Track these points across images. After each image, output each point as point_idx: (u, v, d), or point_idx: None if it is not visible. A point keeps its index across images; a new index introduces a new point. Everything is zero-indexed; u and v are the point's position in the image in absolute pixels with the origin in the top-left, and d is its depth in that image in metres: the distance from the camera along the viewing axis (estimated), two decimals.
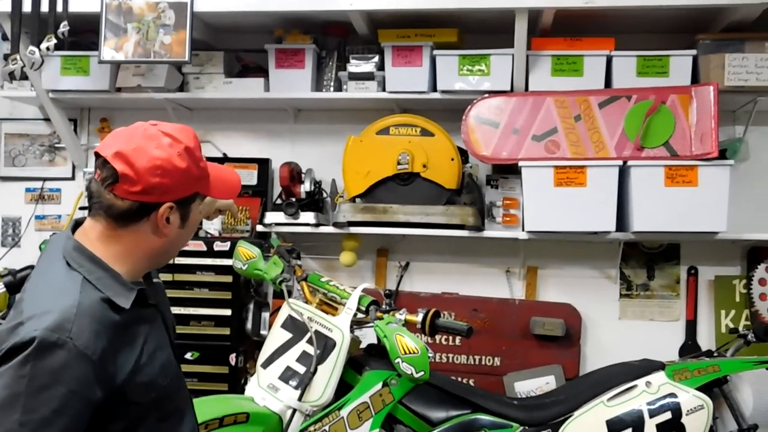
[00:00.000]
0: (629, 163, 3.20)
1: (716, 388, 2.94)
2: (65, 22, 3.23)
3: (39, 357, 1.44)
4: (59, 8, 3.25)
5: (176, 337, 1.94)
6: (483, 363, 3.55)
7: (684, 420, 2.70)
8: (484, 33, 3.46)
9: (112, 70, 3.59)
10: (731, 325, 3.50)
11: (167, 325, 1.82)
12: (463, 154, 3.41)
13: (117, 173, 1.58)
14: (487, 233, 3.43)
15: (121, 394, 1.56)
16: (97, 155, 1.63)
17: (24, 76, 3.37)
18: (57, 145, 3.95)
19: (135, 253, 1.66)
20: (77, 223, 1.70)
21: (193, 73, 3.62)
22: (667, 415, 2.70)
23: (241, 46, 3.75)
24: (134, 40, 3.30)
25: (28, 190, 3.99)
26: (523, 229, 3.38)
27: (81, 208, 3.71)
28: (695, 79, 3.29)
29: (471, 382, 3.48)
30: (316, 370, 2.59)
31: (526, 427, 2.72)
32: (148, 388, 1.62)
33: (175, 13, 3.27)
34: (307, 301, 2.80)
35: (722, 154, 3.23)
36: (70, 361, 1.46)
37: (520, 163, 3.26)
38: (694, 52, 3.28)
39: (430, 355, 2.55)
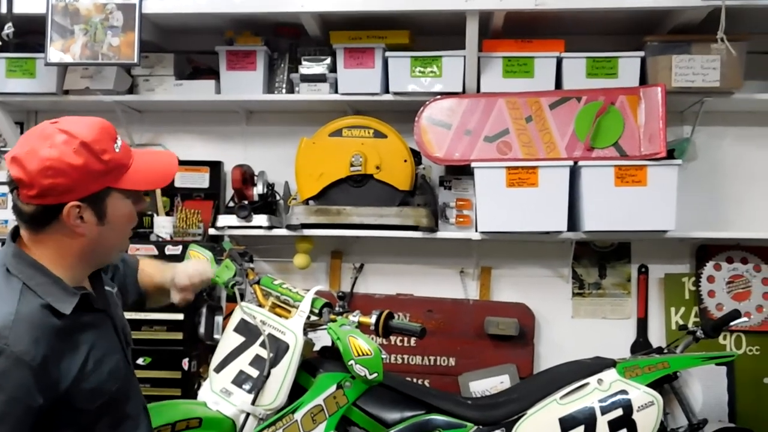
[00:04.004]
0: (580, 163, 3.23)
1: (667, 385, 2.98)
2: (10, 24, 3.18)
3: None
4: (3, 9, 3.20)
5: (132, 342, 1.91)
6: (438, 363, 3.56)
7: (635, 416, 2.73)
8: (436, 35, 3.48)
9: (59, 73, 3.52)
10: (681, 322, 3.56)
11: (118, 331, 1.78)
12: (416, 156, 3.41)
13: (13, 179, 1.57)
14: (441, 234, 3.44)
15: (67, 400, 1.54)
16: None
17: None
18: (3, 149, 3.87)
19: (63, 256, 1.63)
20: (17, 230, 1.67)
21: (143, 75, 3.57)
22: (619, 412, 2.73)
23: (191, 48, 3.71)
24: (81, 42, 3.25)
25: None
26: (476, 230, 3.39)
27: None
28: (643, 81, 3.34)
29: (426, 383, 3.49)
30: (269, 373, 2.56)
31: (481, 427, 2.73)
32: (95, 395, 1.60)
33: (124, 14, 3.22)
34: (260, 305, 2.76)
35: (670, 154, 3.28)
36: (8, 368, 1.45)
37: (473, 164, 3.27)
38: (642, 53, 3.33)
39: (384, 356, 2.54)
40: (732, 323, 3.13)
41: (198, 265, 2.39)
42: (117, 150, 1.65)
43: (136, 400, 1.80)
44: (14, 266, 1.59)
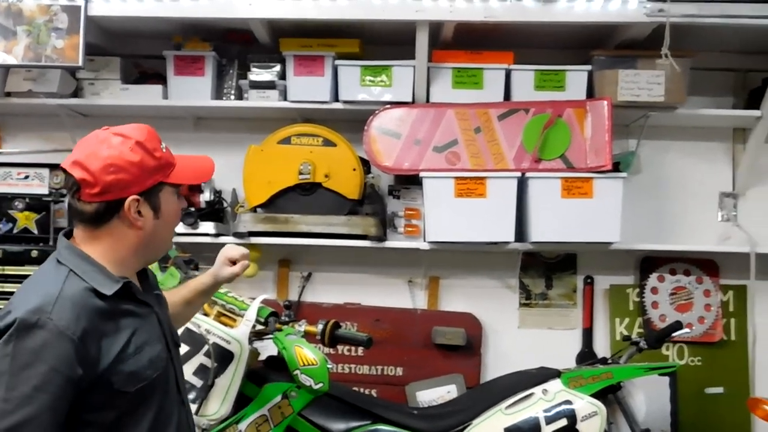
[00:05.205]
0: (527, 174, 3.26)
1: (611, 395, 3.03)
2: None
3: (20, 337, 1.55)
4: None
5: (180, 343, 2.05)
6: (386, 373, 3.55)
7: (579, 426, 2.76)
8: (386, 44, 3.48)
9: (1, 74, 3.44)
10: (625, 333, 3.60)
11: (163, 326, 1.87)
12: (366, 165, 3.41)
13: (77, 180, 1.71)
14: (390, 244, 3.44)
15: (107, 380, 1.64)
16: (62, 170, 1.75)
17: None
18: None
19: (118, 250, 1.77)
20: (69, 231, 1.81)
21: (88, 78, 3.50)
22: (563, 422, 2.76)
23: (138, 52, 3.66)
24: (25, 44, 3.18)
25: None
26: (425, 240, 3.40)
27: None
28: (590, 94, 3.38)
29: (374, 393, 3.48)
30: (213, 383, 2.54)
31: None
32: (133, 378, 1.69)
33: (69, 16, 3.16)
34: (205, 313, 2.73)
35: (616, 167, 3.33)
36: (50, 340, 1.56)
37: (422, 174, 3.28)
38: (589, 67, 3.38)
39: (330, 366, 2.54)
40: (674, 334, 3.19)
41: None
42: (164, 150, 1.83)
43: (173, 395, 1.86)
44: (64, 257, 1.72)
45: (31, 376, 1.53)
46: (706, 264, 3.64)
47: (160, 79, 3.54)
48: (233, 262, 2.34)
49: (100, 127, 1.83)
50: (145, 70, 3.64)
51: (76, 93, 3.54)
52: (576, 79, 3.37)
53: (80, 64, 3.20)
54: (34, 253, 3.37)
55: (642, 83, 3.33)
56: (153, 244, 1.84)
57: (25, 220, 3.54)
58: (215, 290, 2.40)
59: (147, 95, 3.50)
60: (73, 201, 1.74)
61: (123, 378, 1.66)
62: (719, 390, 3.59)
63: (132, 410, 1.70)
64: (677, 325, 3.19)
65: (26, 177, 3.63)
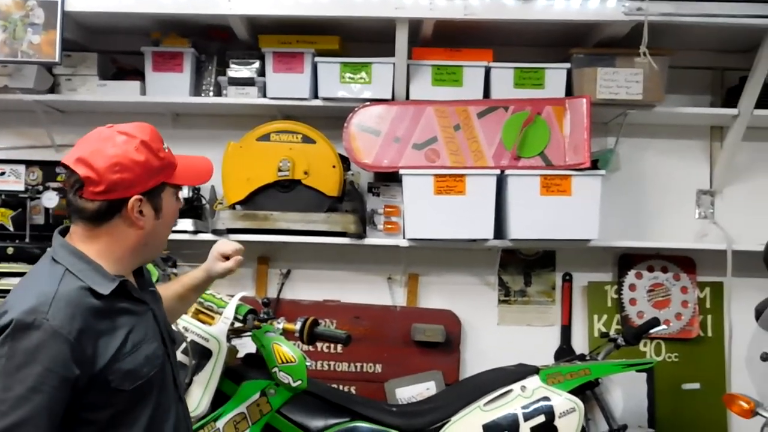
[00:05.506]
0: (506, 172, 3.27)
1: (589, 391, 3.05)
2: None
3: (16, 338, 1.55)
4: None
5: (176, 341, 2.09)
6: (365, 370, 3.55)
7: (557, 422, 2.77)
8: (366, 41, 3.47)
9: None
10: (603, 330, 3.62)
11: (159, 323, 1.87)
12: (345, 162, 3.40)
13: (80, 178, 1.69)
14: (369, 240, 3.44)
15: (104, 379, 1.63)
16: (64, 166, 1.73)
17: None
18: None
19: (117, 250, 1.76)
20: (65, 229, 1.81)
21: (65, 74, 3.46)
22: (541, 418, 2.77)
23: (116, 48, 3.63)
24: (0, 39, 3.14)
25: None
26: (404, 237, 3.40)
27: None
28: (569, 92, 3.40)
29: (353, 390, 3.48)
30: (191, 380, 2.53)
31: None
32: (131, 376, 1.68)
33: (45, 11, 3.13)
34: None
35: (594, 165, 3.34)
36: (45, 341, 1.55)
37: (401, 171, 3.28)
38: (568, 65, 3.39)
39: (309, 363, 2.54)
40: (652, 331, 3.22)
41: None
42: (166, 150, 1.83)
43: (171, 391, 1.86)
44: (60, 255, 1.71)
45: (26, 376, 1.53)
46: (683, 261, 3.67)
47: (138, 75, 3.52)
48: (226, 258, 2.34)
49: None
50: (122, 66, 3.61)
51: (53, 89, 3.50)
52: (555, 77, 3.38)
53: (57, 59, 3.17)
54: (10, 251, 3.33)
55: (621, 81, 3.34)
56: (151, 244, 1.84)
57: (1, 216, 3.51)
58: (208, 285, 2.40)
59: (124, 91, 3.48)
60: (74, 198, 1.72)
61: (120, 376, 1.66)
62: (696, 386, 3.62)
63: (130, 408, 1.70)
64: (655, 322, 3.21)
65: (2, 173, 3.60)
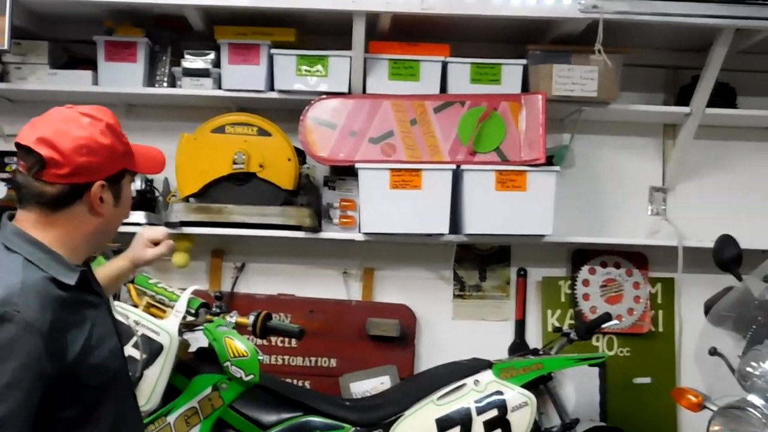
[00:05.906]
0: (462, 167, 3.28)
1: (542, 385, 3.07)
2: None
3: None
4: None
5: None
6: (319, 364, 3.54)
7: (510, 416, 2.79)
8: (322, 34, 3.45)
9: None
10: (557, 324, 3.66)
11: (112, 316, 1.82)
12: (301, 155, 3.38)
13: (43, 159, 1.59)
14: (324, 234, 3.42)
15: (73, 374, 1.56)
16: (19, 146, 1.63)
17: None
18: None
19: (74, 237, 1.68)
20: (11, 216, 1.71)
21: (15, 62, 3.38)
22: (494, 413, 2.79)
23: (68, 37, 3.56)
24: None
25: None
26: (360, 231, 3.39)
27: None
28: (525, 88, 3.42)
29: (307, 384, 3.47)
30: (142, 375, 2.49)
31: (358, 428, 2.73)
32: (99, 371, 1.63)
33: None
34: (134, 304, 2.68)
35: (549, 161, 3.37)
36: (19, 334, 1.47)
37: (357, 165, 3.27)
38: (524, 61, 3.41)
39: (261, 357, 2.52)
40: (604, 325, 3.26)
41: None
42: (125, 136, 1.76)
43: (127, 386, 1.83)
44: (15, 244, 1.62)
45: (2, 372, 1.45)
46: (635, 257, 3.71)
47: (91, 64, 3.45)
48: (155, 244, 2.25)
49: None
50: (75, 55, 3.54)
51: (2, 77, 3.42)
52: (511, 72, 3.40)
53: (6, 47, 3.09)
54: None
55: (576, 78, 3.37)
56: (106, 233, 1.76)
57: None
58: (130, 275, 2.35)
59: (76, 81, 3.41)
60: (31, 181, 1.61)
61: (88, 371, 1.60)
62: (647, 380, 3.67)
63: (95, 404, 1.64)
64: (607, 317, 3.25)
65: None
